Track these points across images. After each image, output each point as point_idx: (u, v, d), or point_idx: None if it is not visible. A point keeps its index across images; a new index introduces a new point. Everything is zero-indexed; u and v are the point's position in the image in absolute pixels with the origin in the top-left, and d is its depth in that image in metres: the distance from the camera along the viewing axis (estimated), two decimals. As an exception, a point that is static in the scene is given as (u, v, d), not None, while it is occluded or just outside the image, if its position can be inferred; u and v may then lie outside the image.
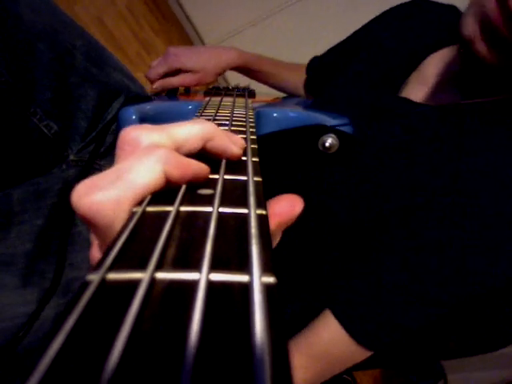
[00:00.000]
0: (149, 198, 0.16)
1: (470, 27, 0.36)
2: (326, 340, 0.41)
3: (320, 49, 0.71)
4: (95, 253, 0.18)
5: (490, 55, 0.35)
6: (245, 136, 0.28)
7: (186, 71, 0.64)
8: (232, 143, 0.21)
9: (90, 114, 0.54)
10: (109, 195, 0.14)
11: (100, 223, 0.15)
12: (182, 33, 1.79)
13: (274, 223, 0.18)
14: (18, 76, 0.45)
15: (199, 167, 0.18)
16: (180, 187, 0.17)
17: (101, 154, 0.56)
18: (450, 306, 0.40)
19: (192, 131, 0.18)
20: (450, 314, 0.42)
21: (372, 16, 0.63)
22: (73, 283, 0.45)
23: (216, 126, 0.20)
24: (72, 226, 0.49)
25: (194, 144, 0.18)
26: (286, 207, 0.20)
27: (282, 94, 0.77)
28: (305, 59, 0.72)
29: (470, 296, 0.39)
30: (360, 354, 0.41)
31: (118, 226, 0.14)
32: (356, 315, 0.40)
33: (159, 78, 0.65)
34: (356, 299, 0.41)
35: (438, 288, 0.39)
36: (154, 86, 0.64)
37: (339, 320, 0.40)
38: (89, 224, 0.15)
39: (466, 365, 1.15)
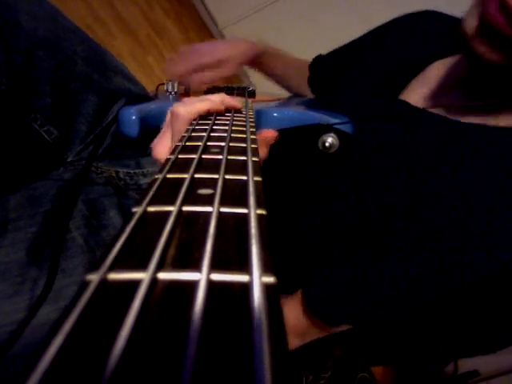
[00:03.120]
0: (149, 196, 0.16)
1: (470, 25, 0.36)
2: (300, 307, 0.46)
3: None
4: (162, 144, 0.35)
5: (490, 54, 0.35)
6: (245, 136, 0.28)
7: (210, 66, 0.64)
8: (234, 101, 0.39)
9: (91, 119, 0.54)
10: (187, 107, 0.33)
11: (180, 115, 0.32)
12: (194, 14, 1.76)
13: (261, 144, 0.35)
14: (19, 83, 0.45)
15: (222, 108, 0.36)
16: (181, 187, 0.17)
17: (99, 156, 0.56)
18: (433, 302, 0.41)
19: (216, 96, 0.37)
20: (446, 315, 0.43)
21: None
22: (64, 290, 0.45)
23: (226, 95, 0.38)
24: (65, 232, 0.49)
25: (218, 102, 0.36)
26: (269, 134, 0.38)
27: (282, 94, 0.77)
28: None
29: (461, 293, 0.40)
30: (319, 326, 0.45)
31: (185, 122, 0.32)
32: (320, 292, 0.44)
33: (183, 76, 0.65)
34: (329, 279, 0.45)
35: (427, 282, 0.40)
36: (193, 85, 0.65)
37: (303, 292, 0.45)
38: (174, 116, 0.33)
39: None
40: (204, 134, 0.28)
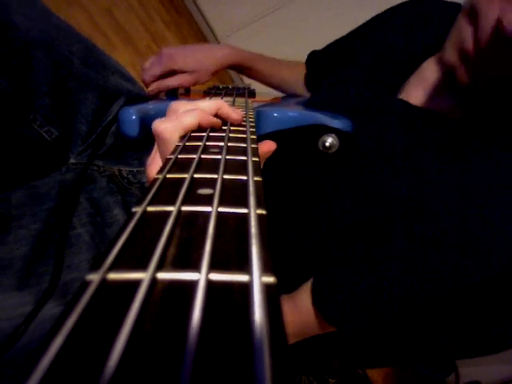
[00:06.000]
0: (149, 196, 0.16)
1: (451, 56, 0.39)
2: (305, 303, 0.45)
3: (328, 40, 0.70)
4: (155, 164, 0.32)
5: (469, 82, 0.39)
6: (245, 136, 0.28)
7: (182, 72, 0.63)
8: (233, 112, 0.32)
9: (90, 118, 0.54)
10: (171, 125, 0.28)
11: (164, 139, 0.28)
12: (193, 25, 1.77)
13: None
14: (17, 84, 0.45)
15: (216, 121, 0.30)
16: (181, 187, 0.17)
17: (100, 156, 0.56)
18: (435, 303, 0.41)
19: (210, 104, 0.31)
20: (449, 314, 0.43)
21: (374, 11, 0.63)
22: (70, 285, 0.45)
23: (224, 102, 0.32)
24: (70, 229, 0.49)
25: (212, 110, 0.31)
26: (266, 147, 0.34)
27: (282, 94, 0.77)
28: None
29: (463, 292, 0.40)
30: (323, 324, 0.44)
31: (173, 144, 0.27)
32: (328, 290, 0.43)
33: (154, 80, 0.63)
34: (337, 278, 0.44)
35: (429, 283, 0.40)
36: (150, 89, 0.63)
37: (312, 290, 0.44)
38: (159, 139, 0.28)
39: (477, 358, 1.15)
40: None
